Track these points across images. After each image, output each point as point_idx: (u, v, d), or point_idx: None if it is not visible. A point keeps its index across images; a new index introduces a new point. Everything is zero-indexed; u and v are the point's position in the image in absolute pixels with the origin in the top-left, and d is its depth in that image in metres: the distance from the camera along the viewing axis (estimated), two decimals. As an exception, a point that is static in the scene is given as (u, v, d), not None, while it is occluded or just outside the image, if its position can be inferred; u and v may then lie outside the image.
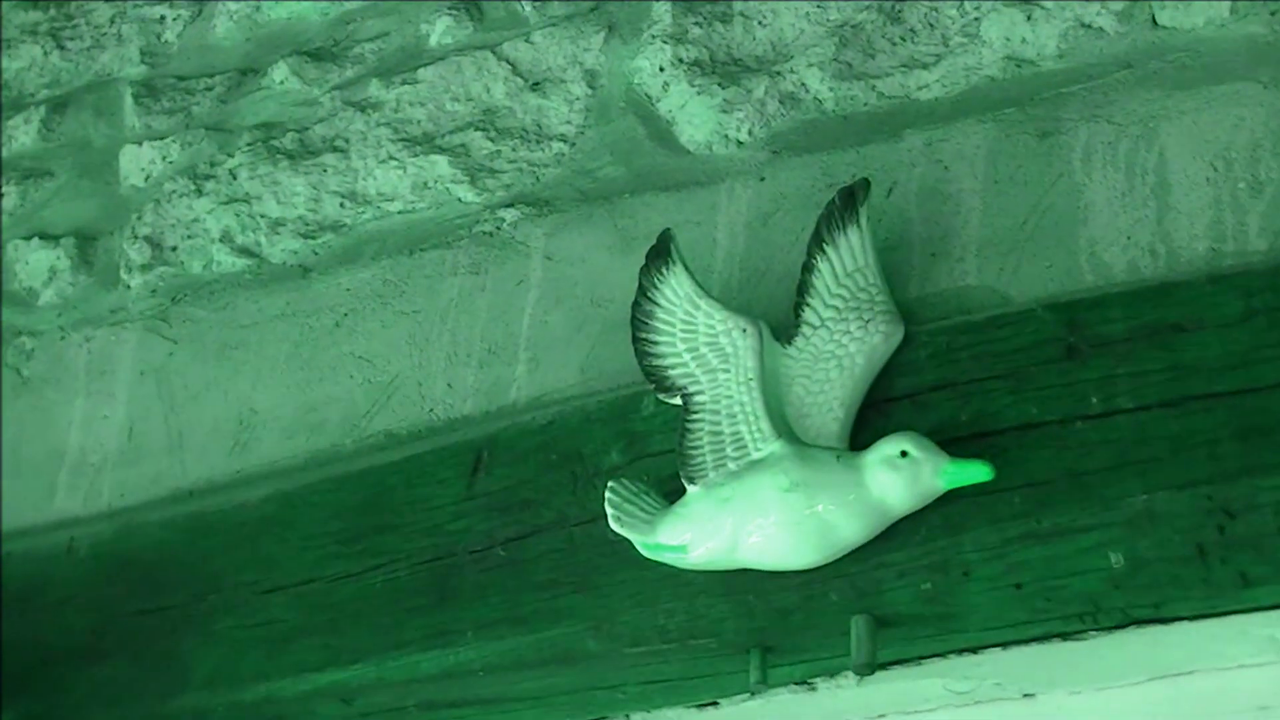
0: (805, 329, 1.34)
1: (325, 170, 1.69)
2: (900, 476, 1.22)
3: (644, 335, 1.37)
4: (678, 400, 1.36)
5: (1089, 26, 1.39)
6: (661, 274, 1.36)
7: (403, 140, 1.66)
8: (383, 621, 1.45)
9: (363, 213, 1.66)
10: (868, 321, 1.31)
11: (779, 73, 1.50)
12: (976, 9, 1.43)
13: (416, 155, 1.65)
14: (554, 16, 1.62)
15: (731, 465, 1.29)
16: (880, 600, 1.26)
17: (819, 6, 1.50)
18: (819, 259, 1.34)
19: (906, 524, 1.26)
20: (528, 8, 1.64)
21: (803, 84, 1.50)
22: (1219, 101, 1.33)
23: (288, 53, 1.74)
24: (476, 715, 1.40)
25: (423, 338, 1.58)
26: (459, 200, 1.63)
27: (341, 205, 1.67)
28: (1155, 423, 1.22)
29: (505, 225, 1.59)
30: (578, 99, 1.59)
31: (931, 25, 1.44)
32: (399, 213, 1.65)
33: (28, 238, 1.78)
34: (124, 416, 1.67)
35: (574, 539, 1.39)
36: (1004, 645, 1.24)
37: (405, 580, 1.45)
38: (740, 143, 1.51)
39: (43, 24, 1.88)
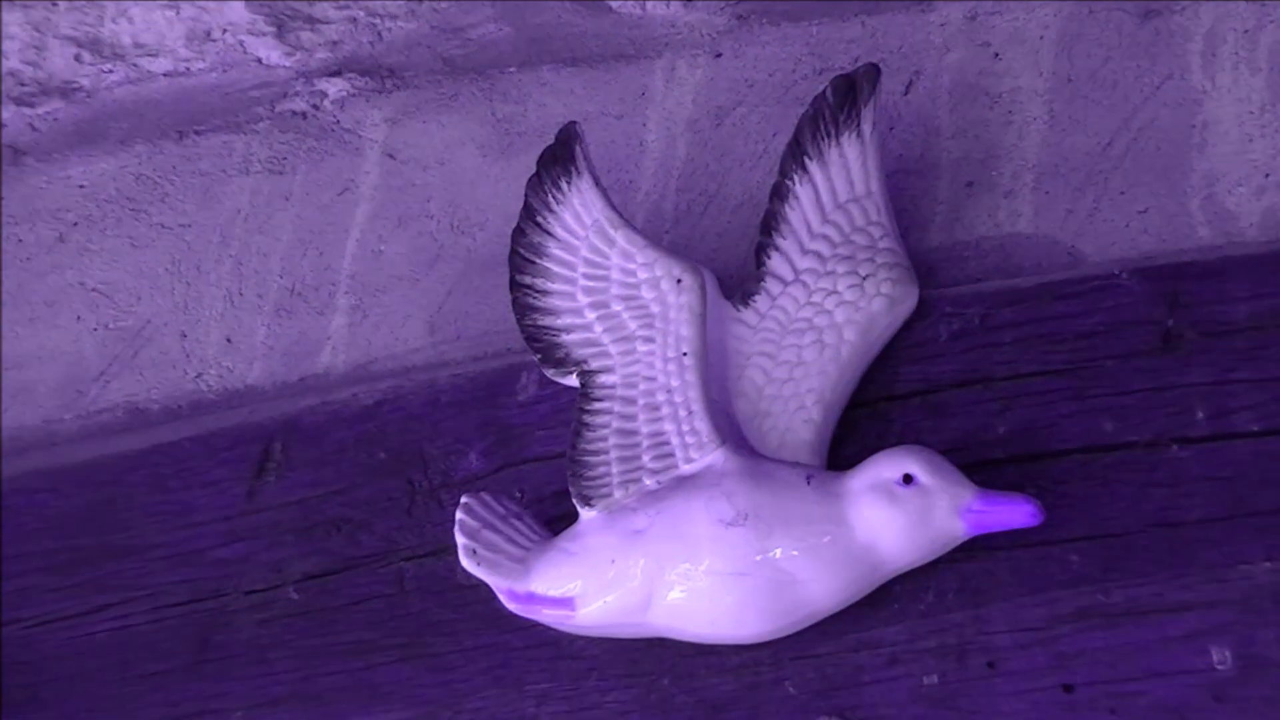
0: (771, 284, 1.32)
1: (54, 4, 1.67)
2: (901, 513, 1.20)
3: (528, 280, 1.34)
4: (573, 380, 1.32)
5: None
6: (560, 190, 1.33)
7: (175, -35, 1.66)
8: (109, 690, 1.41)
9: (109, 72, 1.65)
10: (865, 278, 1.29)
11: (750, -104, 1.52)
12: None
13: (196, -11, 1.62)
14: None
15: (649, 482, 1.27)
16: (860, 696, 1.23)
17: None
18: (797, 181, 1.32)
19: (906, 584, 1.23)
20: None
21: (786, -85, 1.50)
22: None
23: None
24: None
25: (192, 266, 1.56)
26: (258, 61, 1.62)
27: (77, 59, 1.66)
28: (1291, 454, 1.20)
29: (326, 103, 1.57)
30: (445, -83, 1.61)
31: None
32: (165, 75, 1.64)
33: None
34: None
35: (406, 581, 1.36)
36: (1046, 777, 1.21)
37: (146, 630, 1.42)
38: (687, -1, 1.48)
39: None
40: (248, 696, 1.36)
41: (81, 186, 1.61)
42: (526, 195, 1.33)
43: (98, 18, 1.65)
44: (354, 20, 1.58)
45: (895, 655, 1.21)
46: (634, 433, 1.28)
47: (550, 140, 1.34)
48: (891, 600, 1.22)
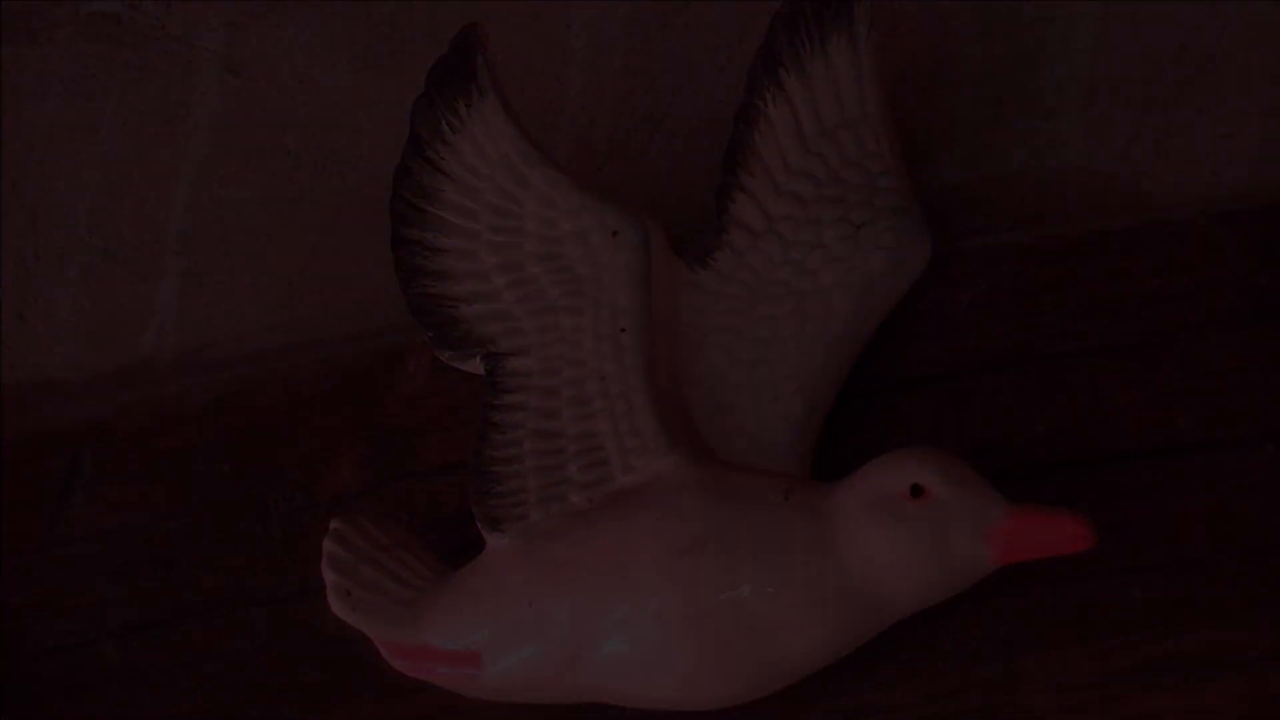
0: (737, 236, 1.29)
1: None
2: (908, 536, 1.17)
3: (417, 234, 1.30)
4: (477, 366, 1.28)
5: None
6: (457, 116, 1.29)
7: None
8: None
9: None
10: (860, 227, 1.26)
11: None
12: None
13: None
14: None
15: (577, 499, 1.24)
16: (859, 777, 1.20)
17: None
18: (770, 101, 1.29)
19: (917, 630, 1.20)
20: None
21: None
22: None
23: None
24: None
25: (-24, 218, 1.54)
26: (63, -45, 1.58)
27: None
28: None
29: (148, 3, 1.56)
30: None
31: None
32: (-63, -24, 1.57)
33: None
34: None
35: (259, 631, 1.34)
36: None
37: (-86, 700, 1.35)
38: None
39: None
40: (52, 785, 1.34)
41: None
42: (413, 123, 1.29)
43: None
44: (185, -104, 1.58)
45: (902, 724, 1.18)
46: (557, 435, 1.24)
47: (444, 49, 1.29)
48: (897, 651, 1.20)
